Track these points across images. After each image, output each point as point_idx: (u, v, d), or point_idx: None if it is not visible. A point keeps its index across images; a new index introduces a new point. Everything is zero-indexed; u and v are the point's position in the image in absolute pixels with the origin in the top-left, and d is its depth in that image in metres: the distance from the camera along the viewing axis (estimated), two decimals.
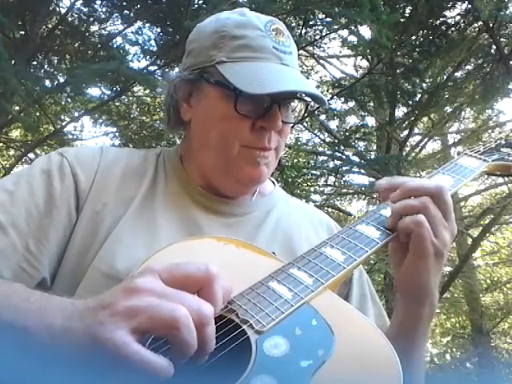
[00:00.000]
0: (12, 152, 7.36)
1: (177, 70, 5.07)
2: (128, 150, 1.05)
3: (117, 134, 6.57)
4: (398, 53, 5.15)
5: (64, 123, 6.39)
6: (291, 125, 0.99)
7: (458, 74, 6.01)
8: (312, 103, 1.01)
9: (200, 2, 4.61)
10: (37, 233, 0.85)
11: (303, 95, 0.95)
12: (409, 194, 0.80)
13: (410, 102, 5.53)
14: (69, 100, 5.68)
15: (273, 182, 1.12)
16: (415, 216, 0.77)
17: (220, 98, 0.90)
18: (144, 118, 6.52)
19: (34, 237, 0.85)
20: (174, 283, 0.56)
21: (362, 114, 7.03)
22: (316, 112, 5.81)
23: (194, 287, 0.57)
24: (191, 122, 0.97)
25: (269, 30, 0.92)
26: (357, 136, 6.26)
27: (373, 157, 6.77)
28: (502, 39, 5.25)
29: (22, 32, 4.88)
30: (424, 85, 5.58)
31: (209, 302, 0.56)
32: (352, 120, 7.63)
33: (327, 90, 6.13)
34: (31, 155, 6.47)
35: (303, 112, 1.01)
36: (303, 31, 4.65)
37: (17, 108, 4.99)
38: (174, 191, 0.97)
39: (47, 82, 5.06)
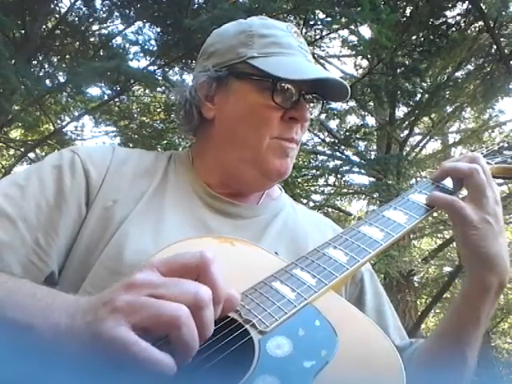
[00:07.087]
0: (12, 152, 7.34)
1: (177, 69, 5.07)
2: (139, 151, 1.06)
3: (117, 133, 6.56)
4: (399, 53, 5.14)
5: (64, 123, 6.37)
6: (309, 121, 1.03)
7: (458, 74, 6.01)
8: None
9: (200, 1, 4.61)
10: (46, 227, 0.86)
11: (318, 94, 1.00)
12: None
13: (411, 102, 5.53)
14: (69, 99, 5.67)
15: (279, 188, 1.13)
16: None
17: (252, 92, 0.93)
18: (144, 118, 6.52)
19: (44, 231, 0.86)
20: (171, 274, 0.56)
21: (362, 113, 7.05)
22: None
23: (192, 275, 0.57)
24: (215, 119, 0.98)
25: (290, 32, 0.98)
26: (357, 136, 6.25)
27: (373, 157, 6.78)
28: (502, 39, 5.25)
29: (22, 32, 4.87)
30: (424, 85, 5.58)
31: (207, 286, 0.56)
32: (352, 120, 7.65)
33: None
34: (31, 155, 6.46)
35: (320, 109, 1.04)
36: (303, 31, 4.65)
37: (17, 107, 4.98)
38: (184, 191, 0.97)
39: (47, 82, 5.06)
